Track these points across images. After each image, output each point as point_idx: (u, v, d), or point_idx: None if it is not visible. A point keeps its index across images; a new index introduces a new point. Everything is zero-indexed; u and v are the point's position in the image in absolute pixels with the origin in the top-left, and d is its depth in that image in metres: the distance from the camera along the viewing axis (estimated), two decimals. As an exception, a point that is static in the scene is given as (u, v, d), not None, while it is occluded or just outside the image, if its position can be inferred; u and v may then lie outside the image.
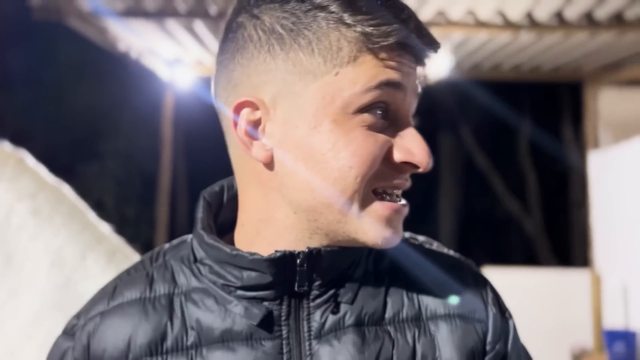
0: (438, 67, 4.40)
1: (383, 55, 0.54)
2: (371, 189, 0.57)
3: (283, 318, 0.58)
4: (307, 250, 0.57)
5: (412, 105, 0.59)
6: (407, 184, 0.60)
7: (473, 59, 4.95)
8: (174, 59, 5.01)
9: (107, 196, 7.66)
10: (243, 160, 0.60)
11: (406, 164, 0.57)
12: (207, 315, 0.59)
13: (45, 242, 1.37)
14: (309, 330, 0.58)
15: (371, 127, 0.55)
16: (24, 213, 1.34)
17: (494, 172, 10.67)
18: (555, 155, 9.65)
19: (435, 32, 3.12)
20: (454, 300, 0.64)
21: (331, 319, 0.59)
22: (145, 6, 3.79)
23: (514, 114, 10.35)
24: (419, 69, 0.59)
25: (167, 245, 0.68)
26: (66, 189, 1.47)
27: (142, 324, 0.60)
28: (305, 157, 0.55)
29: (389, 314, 0.61)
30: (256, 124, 0.57)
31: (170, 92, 5.54)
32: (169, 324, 0.59)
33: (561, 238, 9.91)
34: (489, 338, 0.64)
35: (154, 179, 5.83)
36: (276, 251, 0.56)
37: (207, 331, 0.58)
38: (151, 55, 4.89)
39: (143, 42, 4.54)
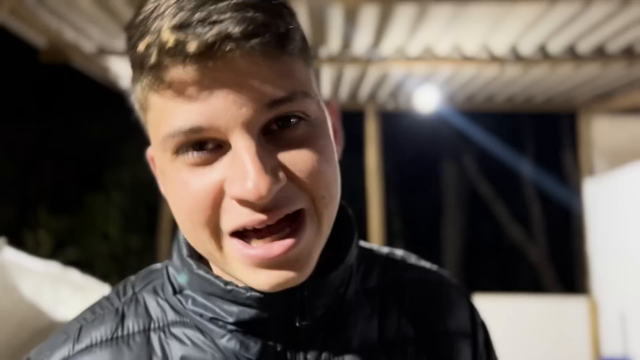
0: (425, 101, 4.53)
1: (162, 89, 0.46)
2: (228, 232, 0.48)
3: (279, 349, 0.54)
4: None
5: (237, 118, 0.45)
6: (261, 216, 0.46)
7: (465, 91, 5.09)
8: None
9: (112, 226, 7.79)
10: None
11: (235, 199, 0.46)
12: (195, 352, 0.53)
13: None
14: (310, 358, 0.55)
15: (194, 165, 0.47)
16: None
17: (497, 201, 10.71)
18: (558, 182, 9.70)
19: (423, 67, 3.25)
20: (446, 316, 0.63)
21: (329, 347, 0.55)
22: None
23: (517, 142, 10.46)
24: (247, 59, 0.44)
25: (133, 277, 0.63)
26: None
27: None
28: (171, 205, 0.52)
29: (386, 336, 0.58)
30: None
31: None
32: None
33: (566, 265, 9.88)
34: (480, 348, 0.65)
35: (158, 210, 5.96)
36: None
37: None
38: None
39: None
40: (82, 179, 8.49)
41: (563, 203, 9.59)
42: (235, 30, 0.43)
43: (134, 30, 0.47)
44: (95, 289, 1.95)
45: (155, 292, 0.59)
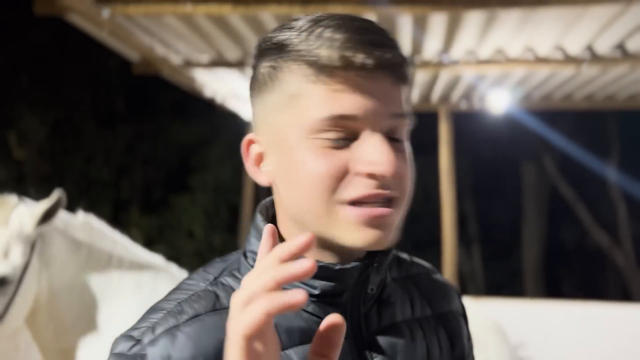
0: (498, 102, 4.52)
1: (330, 82, 0.60)
2: (345, 201, 0.62)
3: (348, 316, 0.66)
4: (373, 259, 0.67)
5: (379, 119, 0.62)
6: (385, 191, 0.62)
7: (541, 91, 5.02)
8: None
9: (197, 226, 8.26)
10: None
11: (367, 174, 0.61)
12: (282, 320, 0.63)
13: None
14: (368, 326, 0.68)
15: (329, 147, 0.61)
16: None
17: (580, 203, 10.28)
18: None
19: (495, 69, 3.31)
20: (448, 299, 0.82)
21: (381, 317, 0.70)
22: (228, 58, 4.27)
23: (601, 142, 10.00)
24: (392, 82, 0.63)
25: (201, 269, 0.72)
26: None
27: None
28: (288, 178, 0.64)
29: (416, 312, 0.75)
30: (260, 156, 0.69)
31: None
32: None
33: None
34: (469, 326, 0.85)
35: (239, 210, 6.28)
36: (355, 260, 0.66)
37: (288, 334, 0.63)
38: (234, 98, 5.40)
39: (226, 88, 5.05)
40: (170, 181, 9.07)
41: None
42: (397, 60, 0.63)
43: (305, 34, 0.62)
44: None
45: (234, 276, 0.68)
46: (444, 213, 5.61)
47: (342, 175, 0.61)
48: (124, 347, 0.62)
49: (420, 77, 4.70)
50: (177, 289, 0.69)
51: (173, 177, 9.00)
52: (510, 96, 4.76)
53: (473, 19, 3.38)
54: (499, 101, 4.85)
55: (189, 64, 4.35)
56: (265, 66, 0.65)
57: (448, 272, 5.43)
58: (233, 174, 8.11)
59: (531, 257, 11.15)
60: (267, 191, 0.75)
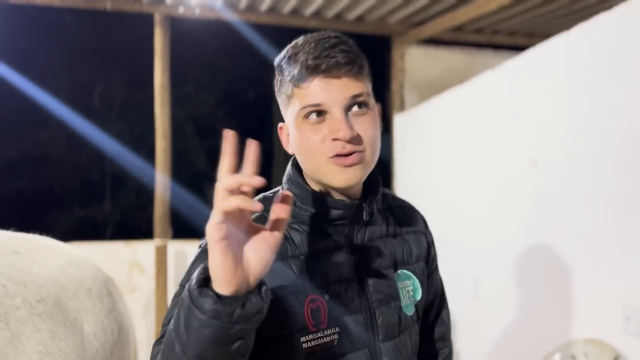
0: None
1: (304, 86, 0.99)
2: (329, 156, 0.98)
3: (347, 233, 1.07)
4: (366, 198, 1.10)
5: (338, 101, 0.97)
6: (348, 147, 0.97)
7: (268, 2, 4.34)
8: None
9: None
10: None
11: (333, 139, 0.98)
12: (304, 236, 1.05)
13: None
14: (358, 240, 1.08)
15: (313, 124, 0.99)
16: None
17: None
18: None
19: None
20: (415, 223, 1.25)
21: (367, 234, 1.10)
22: None
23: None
24: (345, 75, 0.98)
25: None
26: None
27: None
28: (297, 149, 1.04)
29: (389, 231, 1.16)
30: (288, 136, 1.08)
31: None
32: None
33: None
34: (429, 240, 1.28)
35: None
36: (356, 199, 1.08)
37: (307, 247, 1.04)
38: None
39: None
40: None
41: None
42: (343, 61, 0.97)
43: (289, 60, 1.00)
44: None
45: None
46: (157, 140, 4.70)
47: (325, 139, 0.98)
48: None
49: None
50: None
51: None
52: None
53: None
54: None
55: None
56: (277, 79, 1.08)
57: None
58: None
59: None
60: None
